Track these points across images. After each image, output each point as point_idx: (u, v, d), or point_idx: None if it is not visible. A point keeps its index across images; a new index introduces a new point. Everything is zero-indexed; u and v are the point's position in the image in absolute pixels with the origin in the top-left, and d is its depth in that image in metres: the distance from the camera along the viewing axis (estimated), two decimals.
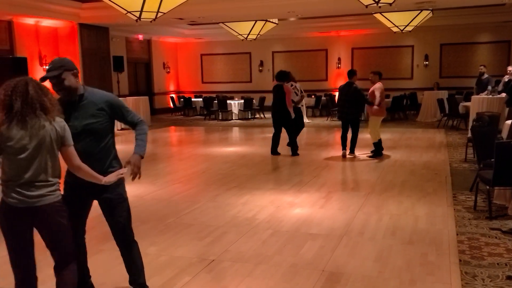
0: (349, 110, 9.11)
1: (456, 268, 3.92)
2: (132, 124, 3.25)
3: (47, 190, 2.75)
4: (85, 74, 15.40)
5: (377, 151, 9.23)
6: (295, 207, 5.89)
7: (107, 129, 3.17)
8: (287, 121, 9.44)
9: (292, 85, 9.86)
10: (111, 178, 2.97)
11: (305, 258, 4.21)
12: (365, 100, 9.20)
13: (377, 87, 9.02)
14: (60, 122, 2.80)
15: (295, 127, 9.71)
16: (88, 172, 2.91)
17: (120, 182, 3.21)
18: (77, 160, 2.87)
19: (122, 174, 3.03)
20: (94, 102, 3.10)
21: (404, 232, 4.87)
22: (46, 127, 2.71)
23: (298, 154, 9.54)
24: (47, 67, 3.12)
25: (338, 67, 19.98)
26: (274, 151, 9.68)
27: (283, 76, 9.57)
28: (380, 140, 9.26)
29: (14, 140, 2.65)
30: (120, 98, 3.29)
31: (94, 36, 15.75)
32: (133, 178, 3.06)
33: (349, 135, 9.37)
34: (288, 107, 9.29)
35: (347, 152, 9.28)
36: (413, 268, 3.97)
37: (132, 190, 6.87)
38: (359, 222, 5.20)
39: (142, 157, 3.14)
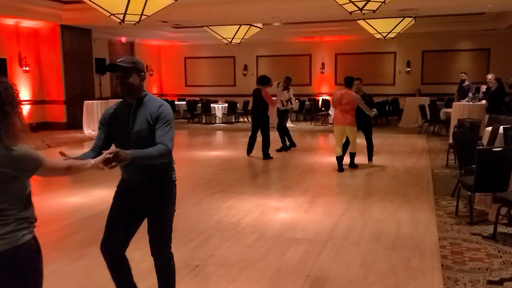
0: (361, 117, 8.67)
1: (439, 273, 3.97)
2: (157, 141, 2.90)
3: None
4: (66, 76, 15.23)
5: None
6: (280, 211, 5.90)
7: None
8: (264, 125, 9.69)
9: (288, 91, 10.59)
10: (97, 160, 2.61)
11: (290, 263, 4.22)
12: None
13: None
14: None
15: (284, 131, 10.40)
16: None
17: None
18: (62, 164, 2.43)
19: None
20: (150, 107, 2.96)
21: (388, 237, 4.92)
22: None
23: (271, 158, 9.71)
24: (118, 60, 2.97)
25: (322, 72, 20.12)
26: (250, 152, 10.03)
27: (264, 81, 9.77)
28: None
29: None
30: (168, 112, 3.01)
31: (76, 38, 15.59)
32: (105, 164, 2.59)
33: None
34: (273, 106, 9.78)
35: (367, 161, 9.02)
36: (397, 273, 4.01)
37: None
38: (344, 227, 5.23)
39: (132, 158, 2.72)
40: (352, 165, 8.71)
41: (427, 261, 4.25)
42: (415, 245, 4.65)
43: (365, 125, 8.88)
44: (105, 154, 2.59)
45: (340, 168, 8.41)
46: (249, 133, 10.03)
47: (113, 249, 3.14)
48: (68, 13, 14.18)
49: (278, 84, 11.45)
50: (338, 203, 6.25)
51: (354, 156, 8.72)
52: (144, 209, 3.12)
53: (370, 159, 9.10)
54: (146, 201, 3.08)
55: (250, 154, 10.02)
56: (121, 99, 3.04)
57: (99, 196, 6.67)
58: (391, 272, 4.03)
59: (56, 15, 14.19)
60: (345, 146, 8.67)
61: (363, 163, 8.96)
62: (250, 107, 18.41)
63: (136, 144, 2.87)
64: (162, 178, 3.11)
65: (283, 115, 10.86)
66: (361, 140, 9.03)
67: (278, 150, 10.42)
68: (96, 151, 2.88)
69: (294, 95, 11.17)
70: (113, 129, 3.00)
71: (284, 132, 10.65)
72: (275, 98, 10.39)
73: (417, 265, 4.17)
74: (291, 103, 10.99)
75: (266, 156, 9.68)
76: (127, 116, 2.96)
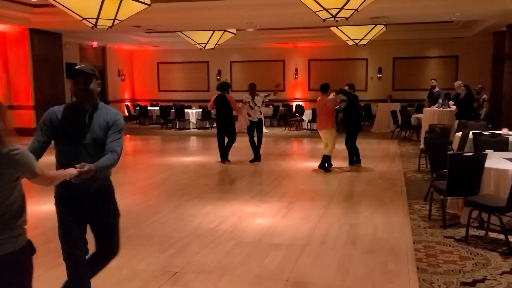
0: (359, 118, 9.47)
1: (414, 276, 4.05)
2: (108, 148, 2.98)
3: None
4: (36, 81, 14.90)
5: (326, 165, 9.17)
6: (257, 217, 5.92)
7: None
8: (230, 130, 9.81)
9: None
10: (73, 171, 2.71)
11: (270, 269, 4.23)
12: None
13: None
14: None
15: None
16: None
17: None
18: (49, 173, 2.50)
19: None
20: (105, 115, 3.04)
21: (364, 241, 4.99)
22: None
23: (229, 161, 9.87)
24: (77, 66, 3.00)
25: (296, 78, 20.29)
26: (224, 158, 10.00)
27: (226, 86, 9.94)
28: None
29: None
30: (122, 121, 3.13)
31: (46, 42, 15.27)
32: (78, 177, 2.70)
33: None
34: (240, 115, 9.72)
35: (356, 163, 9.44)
36: (374, 277, 4.08)
37: None
38: (321, 232, 5.28)
39: (95, 171, 2.79)
40: (321, 167, 8.97)
41: (403, 264, 4.33)
42: (391, 249, 4.74)
43: (347, 127, 9.33)
44: (80, 169, 2.68)
45: (323, 168, 8.98)
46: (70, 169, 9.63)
47: (82, 256, 3.13)
48: (38, 16, 13.89)
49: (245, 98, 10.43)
50: (315, 208, 6.30)
51: (326, 159, 9.00)
52: (91, 214, 3.16)
53: (349, 162, 9.27)
54: (93, 205, 3.12)
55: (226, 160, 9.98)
56: (67, 104, 3.06)
57: None
58: (369, 276, 4.09)
59: (25, 18, 13.88)
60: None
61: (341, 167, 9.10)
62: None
63: (93, 149, 2.96)
64: (106, 181, 3.20)
65: (257, 126, 10.21)
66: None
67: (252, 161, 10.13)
68: (37, 155, 2.82)
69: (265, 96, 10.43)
70: (61, 134, 2.96)
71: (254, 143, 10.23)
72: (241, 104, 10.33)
73: (394, 268, 4.25)
74: (260, 113, 10.17)
75: (224, 159, 9.88)
76: (82, 121, 2.98)
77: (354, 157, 9.33)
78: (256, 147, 10.12)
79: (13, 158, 2.21)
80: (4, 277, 2.27)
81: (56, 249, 4.60)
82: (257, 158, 10.09)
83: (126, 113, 19.98)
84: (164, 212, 6.14)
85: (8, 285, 2.31)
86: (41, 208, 6.49)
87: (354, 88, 9.78)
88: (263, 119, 10.60)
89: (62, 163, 2.94)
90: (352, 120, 9.23)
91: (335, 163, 9.48)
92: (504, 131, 7.92)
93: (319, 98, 9.05)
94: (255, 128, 10.12)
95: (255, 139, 10.13)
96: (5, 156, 2.19)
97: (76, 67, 3.01)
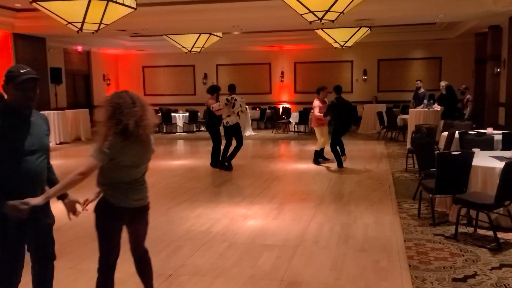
0: (348, 122, 9.65)
1: (407, 273, 4.11)
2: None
3: None
4: None
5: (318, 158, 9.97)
6: (249, 219, 5.93)
7: None
8: (215, 134, 9.46)
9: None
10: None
11: (263, 269, 4.25)
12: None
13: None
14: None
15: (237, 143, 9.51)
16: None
17: None
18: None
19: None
20: (42, 120, 3.00)
21: (356, 240, 5.04)
22: None
23: (218, 167, 9.50)
24: (22, 70, 2.79)
25: (282, 81, 20.36)
26: (215, 163, 9.62)
27: (210, 90, 9.70)
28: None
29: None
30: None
31: (30, 47, 15.10)
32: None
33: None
34: (223, 119, 9.30)
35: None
36: (367, 275, 4.12)
37: (78, 206, 6.64)
38: (313, 232, 5.31)
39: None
40: (315, 161, 9.92)
41: (395, 262, 4.38)
42: (383, 247, 4.79)
43: (332, 133, 9.54)
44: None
45: (315, 161, 9.92)
46: (211, 142, 9.60)
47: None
48: (21, 21, 13.72)
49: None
50: (306, 209, 6.34)
51: (318, 154, 9.94)
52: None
53: (338, 165, 9.40)
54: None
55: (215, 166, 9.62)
56: (2, 108, 2.81)
57: (63, 208, 6.46)
58: (362, 274, 4.13)
59: (8, 23, 13.71)
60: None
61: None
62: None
63: (41, 152, 2.91)
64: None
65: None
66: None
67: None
68: None
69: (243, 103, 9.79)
70: (4, 140, 2.75)
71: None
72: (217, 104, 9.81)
73: (386, 266, 4.29)
74: (238, 114, 9.54)
75: (214, 164, 9.52)
76: (26, 126, 2.83)
77: (340, 160, 9.39)
78: (229, 155, 9.49)
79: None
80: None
81: None
82: (225, 165, 9.50)
83: None
84: (155, 215, 6.11)
85: (146, 225, 3.28)
86: None
87: (340, 90, 9.67)
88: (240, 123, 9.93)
89: (5, 175, 2.76)
90: (337, 127, 9.42)
91: (329, 163, 9.76)
92: (489, 130, 8.06)
93: (315, 98, 9.83)
94: (232, 132, 9.48)
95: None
96: None
97: (23, 71, 2.77)
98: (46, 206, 3.02)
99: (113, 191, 3.04)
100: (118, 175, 3.01)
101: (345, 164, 9.73)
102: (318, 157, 9.98)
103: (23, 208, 2.70)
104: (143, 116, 2.96)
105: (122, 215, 3.07)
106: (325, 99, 9.78)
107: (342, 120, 9.41)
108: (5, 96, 2.85)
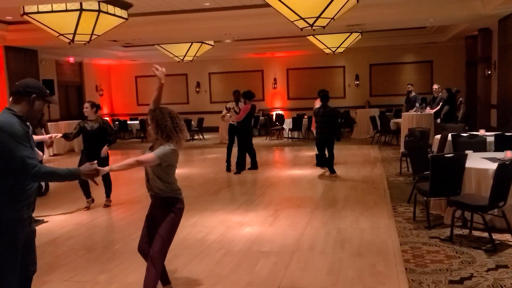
0: (329, 130, 9.30)
1: (404, 277, 4.11)
2: None
3: None
4: None
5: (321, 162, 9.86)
6: (245, 226, 5.92)
7: None
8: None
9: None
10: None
11: (261, 276, 4.24)
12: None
13: None
14: None
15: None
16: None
17: None
18: None
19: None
20: None
21: (352, 244, 5.04)
22: None
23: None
24: (37, 85, 2.93)
25: (274, 87, 20.43)
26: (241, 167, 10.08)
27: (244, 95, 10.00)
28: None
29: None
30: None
31: (21, 59, 15.08)
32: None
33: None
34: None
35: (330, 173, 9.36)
36: (364, 279, 4.12)
37: (73, 217, 6.62)
38: (309, 238, 5.31)
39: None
40: (317, 164, 9.93)
41: (392, 266, 4.39)
42: (379, 251, 4.79)
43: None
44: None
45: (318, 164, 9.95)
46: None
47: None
48: (13, 34, 13.71)
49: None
50: (301, 214, 6.34)
51: (317, 157, 9.91)
52: None
53: (330, 171, 9.37)
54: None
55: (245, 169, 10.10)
56: (14, 119, 2.80)
57: (57, 220, 6.44)
58: (359, 278, 4.13)
59: (0, 36, 13.70)
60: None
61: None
62: (205, 124, 18.40)
63: None
64: None
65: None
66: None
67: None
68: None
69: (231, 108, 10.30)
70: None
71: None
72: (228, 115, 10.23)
73: (383, 270, 4.30)
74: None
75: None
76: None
77: (331, 165, 9.38)
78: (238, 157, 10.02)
79: None
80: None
81: (41, 267, 4.54)
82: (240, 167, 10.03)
83: None
84: None
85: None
86: None
87: (327, 97, 9.42)
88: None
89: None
90: (318, 135, 9.49)
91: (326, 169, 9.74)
92: (482, 132, 8.12)
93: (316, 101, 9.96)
94: (235, 133, 10.03)
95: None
96: None
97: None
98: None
99: (178, 189, 3.65)
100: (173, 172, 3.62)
101: (339, 169, 9.76)
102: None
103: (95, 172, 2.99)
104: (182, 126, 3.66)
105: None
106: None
107: (323, 128, 9.31)
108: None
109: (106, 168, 3.26)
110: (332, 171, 9.27)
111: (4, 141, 2.68)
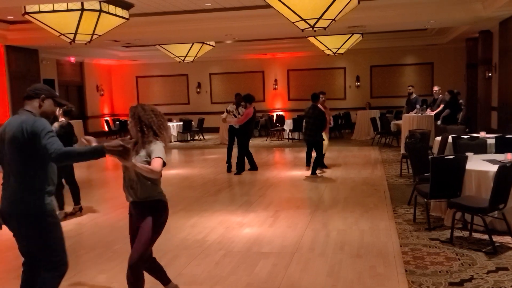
0: (313, 132, 9.28)
1: (404, 278, 4.10)
2: None
3: None
4: (13, 98, 14.66)
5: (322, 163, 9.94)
6: (245, 227, 5.92)
7: None
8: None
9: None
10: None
11: (260, 277, 4.24)
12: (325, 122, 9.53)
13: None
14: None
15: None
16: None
17: None
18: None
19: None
20: None
21: (352, 246, 5.04)
22: None
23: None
24: (45, 88, 3.28)
25: (275, 88, 20.43)
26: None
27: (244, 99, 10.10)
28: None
29: None
30: None
31: (22, 59, 15.08)
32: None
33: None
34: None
35: (310, 172, 9.36)
36: (364, 281, 4.11)
37: (73, 217, 6.61)
38: (308, 239, 5.31)
39: None
40: (320, 165, 9.83)
41: (392, 267, 4.38)
42: (379, 253, 4.79)
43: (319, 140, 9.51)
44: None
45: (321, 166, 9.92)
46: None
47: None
48: (14, 33, 13.72)
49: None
50: (301, 216, 6.34)
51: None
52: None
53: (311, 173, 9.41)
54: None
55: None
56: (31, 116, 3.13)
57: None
58: (358, 280, 4.13)
59: (1, 35, 13.70)
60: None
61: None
62: (205, 125, 18.40)
63: None
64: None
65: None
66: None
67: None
68: None
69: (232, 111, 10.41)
70: None
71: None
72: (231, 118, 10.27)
73: (383, 272, 4.29)
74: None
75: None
76: None
77: (316, 166, 9.39)
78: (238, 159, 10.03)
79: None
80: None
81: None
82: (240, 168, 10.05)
83: (106, 128, 19.80)
84: None
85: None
86: None
87: (315, 96, 9.45)
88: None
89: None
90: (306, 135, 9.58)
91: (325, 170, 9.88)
92: (482, 134, 8.11)
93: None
94: (235, 134, 10.09)
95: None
96: None
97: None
98: None
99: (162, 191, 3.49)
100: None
101: (339, 171, 9.78)
102: (320, 164, 9.93)
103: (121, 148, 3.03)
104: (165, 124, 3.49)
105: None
106: (325, 104, 9.92)
107: (307, 129, 9.37)
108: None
109: (131, 162, 3.10)
110: (313, 172, 9.27)
111: (29, 131, 2.95)
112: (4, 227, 3.16)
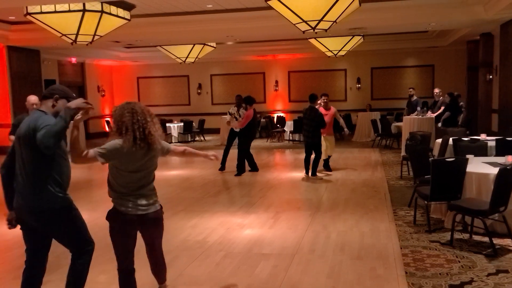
0: (310, 133, 9.19)
1: (403, 280, 4.11)
2: None
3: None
4: (14, 98, 14.70)
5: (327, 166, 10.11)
6: (245, 228, 5.92)
7: None
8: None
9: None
10: None
11: (260, 278, 4.24)
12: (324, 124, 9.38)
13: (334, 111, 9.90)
14: None
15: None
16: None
17: None
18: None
19: None
20: None
21: (352, 248, 5.04)
22: None
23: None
24: (61, 88, 3.39)
25: (276, 90, 20.46)
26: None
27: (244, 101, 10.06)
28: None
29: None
30: None
31: (24, 59, 15.13)
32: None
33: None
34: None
35: (310, 175, 9.33)
36: (364, 282, 4.12)
37: None
38: (309, 240, 5.31)
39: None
40: (324, 167, 10.08)
41: (392, 269, 4.39)
42: (379, 254, 4.79)
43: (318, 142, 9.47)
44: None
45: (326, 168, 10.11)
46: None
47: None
48: (16, 34, 13.76)
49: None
50: (301, 217, 6.34)
51: (324, 163, 10.05)
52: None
53: (305, 172, 9.45)
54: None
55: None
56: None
57: None
58: (358, 281, 4.13)
59: (3, 36, 13.74)
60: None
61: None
62: (206, 126, 18.41)
63: None
64: None
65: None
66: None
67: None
68: None
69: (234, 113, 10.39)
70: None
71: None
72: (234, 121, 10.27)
73: (383, 273, 4.30)
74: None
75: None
76: None
77: (315, 167, 9.38)
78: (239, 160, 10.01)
79: None
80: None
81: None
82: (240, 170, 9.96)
83: (107, 129, 19.82)
84: None
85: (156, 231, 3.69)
86: None
87: (312, 97, 9.29)
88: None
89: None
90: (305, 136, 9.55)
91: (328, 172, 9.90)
92: (483, 136, 8.12)
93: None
94: (236, 136, 10.13)
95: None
96: None
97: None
98: None
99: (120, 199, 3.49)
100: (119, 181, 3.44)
101: (340, 173, 9.77)
102: (325, 165, 10.06)
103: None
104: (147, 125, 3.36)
105: (131, 221, 3.42)
106: (329, 105, 9.88)
107: (305, 131, 9.35)
108: None
109: (77, 101, 3.10)
110: (313, 173, 9.28)
111: (32, 127, 3.07)
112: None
